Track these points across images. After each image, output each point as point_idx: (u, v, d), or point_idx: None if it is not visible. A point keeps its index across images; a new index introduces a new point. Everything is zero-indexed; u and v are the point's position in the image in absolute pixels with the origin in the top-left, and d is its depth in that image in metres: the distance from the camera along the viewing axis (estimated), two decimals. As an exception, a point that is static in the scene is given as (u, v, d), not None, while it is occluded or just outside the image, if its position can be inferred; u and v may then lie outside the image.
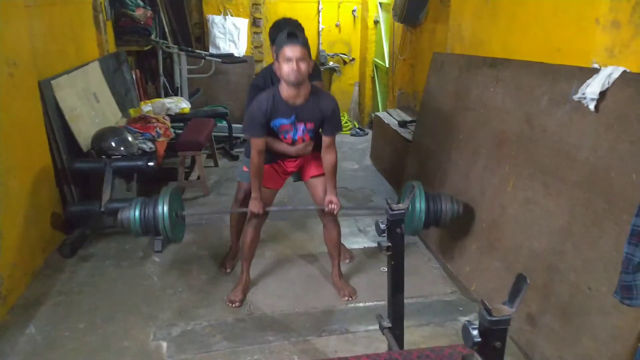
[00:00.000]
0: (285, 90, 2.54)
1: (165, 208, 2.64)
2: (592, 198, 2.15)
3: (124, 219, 2.69)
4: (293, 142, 2.72)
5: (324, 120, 2.66)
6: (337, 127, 2.71)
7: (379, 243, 1.93)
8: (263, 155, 2.65)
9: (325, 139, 2.71)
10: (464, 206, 2.90)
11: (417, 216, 2.78)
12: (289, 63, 2.42)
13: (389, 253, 1.92)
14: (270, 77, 2.85)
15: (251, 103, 2.71)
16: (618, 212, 2.00)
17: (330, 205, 2.77)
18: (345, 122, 6.90)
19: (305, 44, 2.46)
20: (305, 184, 2.96)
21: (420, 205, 2.78)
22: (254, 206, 2.73)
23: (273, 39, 2.73)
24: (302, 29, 2.80)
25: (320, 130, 2.73)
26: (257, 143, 2.62)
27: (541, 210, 2.46)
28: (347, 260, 3.36)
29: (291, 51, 2.41)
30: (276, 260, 3.38)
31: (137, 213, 2.67)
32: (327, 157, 2.73)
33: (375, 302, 2.91)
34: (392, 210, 1.88)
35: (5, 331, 2.62)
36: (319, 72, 3.04)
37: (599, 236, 2.09)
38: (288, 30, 2.49)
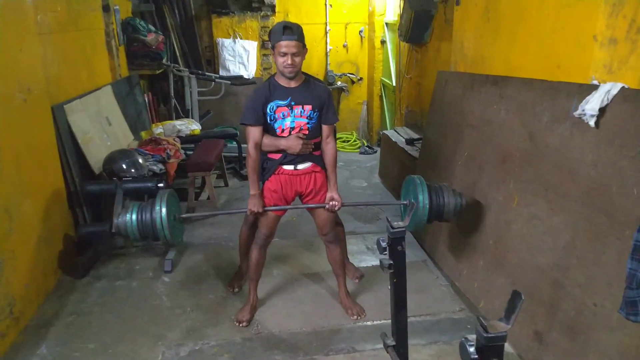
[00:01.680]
0: (281, 78, 2.64)
1: (163, 210, 2.53)
2: (594, 213, 2.16)
3: (120, 224, 2.58)
4: (290, 133, 2.68)
5: (322, 106, 2.69)
6: (335, 116, 2.76)
7: (380, 261, 1.94)
8: (259, 148, 2.67)
9: (325, 128, 2.75)
10: (468, 198, 2.85)
11: (421, 210, 2.71)
12: (284, 57, 2.52)
13: (391, 271, 1.94)
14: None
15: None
16: (620, 228, 2.00)
17: (331, 202, 2.77)
18: (354, 141, 6.95)
19: (300, 38, 2.53)
20: (311, 212, 2.93)
21: (423, 199, 2.69)
22: (253, 205, 2.71)
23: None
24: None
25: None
26: (254, 133, 2.65)
27: (545, 226, 2.46)
28: (356, 280, 3.36)
29: (287, 47, 2.50)
30: (284, 280, 3.40)
31: (134, 217, 2.55)
32: (327, 148, 2.76)
33: (383, 321, 2.91)
34: (393, 228, 1.90)
35: (18, 351, 2.67)
36: (333, 111, 2.80)
37: (602, 251, 2.08)
38: (284, 23, 2.56)
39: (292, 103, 2.64)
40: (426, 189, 2.73)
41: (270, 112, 2.65)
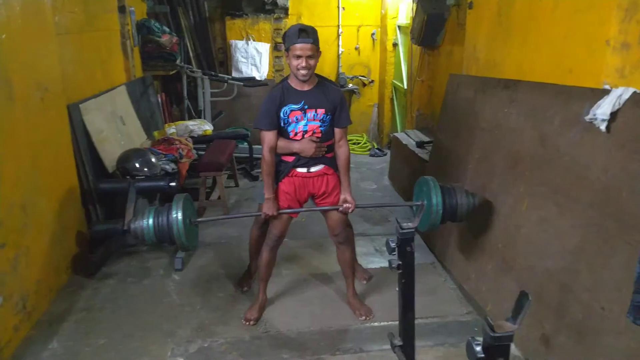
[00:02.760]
0: (294, 79, 2.64)
1: (179, 215, 2.56)
2: (604, 218, 2.15)
3: (137, 228, 2.59)
4: (303, 136, 2.71)
5: (335, 109, 2.70)
6: (347, 118, 2.76)
7: (389, 262, 1.96)
8: (274, 152, 2.69)
9: (337, 131, 2.75)
10: (480, 199, 2.82)
11: (435, 210, 2.68)
12: (299, 60, 2.53)
13: (400, 271, 1.95)
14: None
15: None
16: (629, 232, 2.00)
17: (345, 205, 2.77)
18: (365, 143, 6.96)
19: (315, 41, 2.54)
20: (324, 213, 2.93)
21: (436, 199, 2.68)
22: (267, 208, 2.72)
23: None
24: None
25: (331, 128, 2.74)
26: (269, 137, 2.66)
27: (555, 230, 2.46)
28: (365, 282, 3.37)
29: (301, 50, 2.51)
30: (293, 280, 3.42)
31: (150, 221, 2.57)
32: (340, 151, 2.77)
33: (390, 322, 2.90)
34: (402, 229, 1.92)
35: (30, 345, 2.71)
36: (347, 115, 2.82)
37: (611, 256, 2.08)
38: (300, 26, 2.57)
39: (306, 107, 2.65)
40: (439, 190, 2.71)
41: (284, 116, 2.67)
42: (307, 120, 2.68)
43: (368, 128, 7.23)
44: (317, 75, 2.73)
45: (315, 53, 2.56)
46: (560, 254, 2.39)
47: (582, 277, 2.23)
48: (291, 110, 2.66)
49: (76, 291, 3.25)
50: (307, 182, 2.80)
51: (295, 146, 2.70)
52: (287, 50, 2.59)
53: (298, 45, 2.51)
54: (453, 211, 2.74)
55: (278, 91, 2.66)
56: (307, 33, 2.52)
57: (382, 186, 5.44)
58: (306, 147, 2.69)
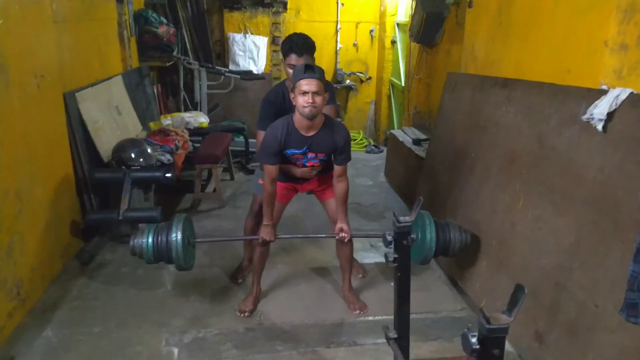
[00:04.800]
0: (299, 121, 2.55)
1: (179, 235, 2.60)
2: (599, 217, 2.18)
3: (136, 247, 2.65)
4: (302, 166, 2.76)
5: (336, 150, 2.66)
6: (348, 157, 2.72)
7: (385, 255, 1.97)
8: (276, 183, 2.70)
9: (337, 169, 2.73)
10: (472, 236, 2.91)
11: (428, 245, 2.75)
12: (305, 96, 2.42)
13: (396, 264, 1.97)
14: (282, 94, 2.88)
15: (263, 118, 2.81)
16: (624, 231, 2.02)
17: (341, 234, 2.82)
18: (361, 139, 6.97)
19: (321, 77, 2.45)
20: (322, 202, 3.00)
21: (430, 234, 2.75)
22: (266, 234, 2.78)
23: (285, 54, 2.79)
24: (313, 45, 2.82)
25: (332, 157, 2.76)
26: (271, 171, 2.65)
27: (550, 228, 2.48)
28: (360, 276, 3.39)
29: (307, 85, 2.40)
30: (287, 273, 3.43)
31: (149, 240, 2.62)
32: (338, 186, 2.77)
33: (384, 316, 2.93)
34: (399, 222, 1.93)
35: (23, 332, 2.70)
36: (333, 94, 3.02)
37: (605, 254, 2.10)
38: (306, 63, 2.53)
39: (307, 151, 2.65)
40: (434, 225, 2.77)
41: (286, 155, 2.68)
42: (307, 159, 2.70)
43: (365, 125, 7.24)
44: (325, 116, 2.63)
45: (322, 90, 2.45)
46: (555, 252, 2.41)
47: (576, 275, 2.25)
48: (293, 154, 2.66)
49: (70, 280, 3.24)
50: (303, 186, 2.93)
51: (298, 172, 2.76)
52: (292, 89, 2.49)
53: (304, 81, 2.41)
54: (446, 246, 2.81)
55: (281, 128, 2.57)
56: (313, 69, 2.44)
57: (378, 183, 5.46)
58: (308, 175, 2.80)
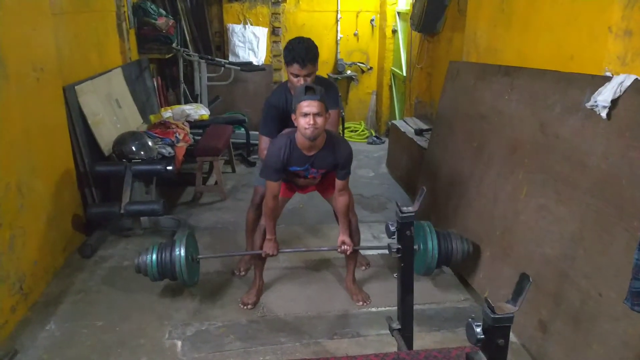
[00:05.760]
0: (302, 142, 2.54)
1: (182, 252, 2.67)
2: (603, 205, 2.16)
3: (141, 264, 2.74)
4: (304, 178, 2.80)
5: (337, 165, 2.67)
6: (348, 173, 2.73)
7: (389, 245, 1.96)
8: (277, 198, 2.71)
9: (338, 183, 2.73)
10: (473, 245, 2.95)
11: (430, 255, 2.78)
12: (306, 117, 2.41)
13: (399, 255, 1.96)
14: (285, 96, 2.86)
15: (267, 122, 2.84)
16: (628, 219, 2.00)
17: (343, 246, 2.83)
18: (362, 130, 6.94)
19: (322, 98, 2.44)
20: (327, 200, 3.01)
21: (432, 244, 2.78)
22: (269, 248, 2.81)
23: (287, 63, 2.75)
24: (315, 48, 2.77)
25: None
26: (273, 187, 2.66)
27: (553, 216, 2.46)
28: (364, 268, 3.38)
29: (308, 107, 2.40)
30: (290, 265, 3.42)
31: (154, 257, 2.71)
32: (339, 200, 2.78)
33: (387, 308, 2.92)
34: (402, 212, 1.91)
35: (27, 326, 2.71)
36: (336, 98, 2.96)
37: (609, 242, 2.09)
38: (306, 84, 2.52)
39: (308, 167, 2.67)
40: (435, 235, 2.79)
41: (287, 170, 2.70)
42: (309, 173, 2.73)
43: (366, 115, 7.20)
44: (327, 132, 2.61)
45: (323, 111, 2.44)
46: (558, 240, 2.40)
47: (580, 263, 2.24)
48: (294, 170, 2.68)
49: (72, 273, 3.24)
50: (303, 190, 2.98)
51: (300, 182, 2.82)
52: (294, 110, 2.47)
53: (305, 103, 2.40)
54: (448, 256, 2.85)
55: (284, 149, 2.57)
56: (314, 90, 2.42)
57: (380, 174, 5.43)
58: (308, 184, 2.86)
